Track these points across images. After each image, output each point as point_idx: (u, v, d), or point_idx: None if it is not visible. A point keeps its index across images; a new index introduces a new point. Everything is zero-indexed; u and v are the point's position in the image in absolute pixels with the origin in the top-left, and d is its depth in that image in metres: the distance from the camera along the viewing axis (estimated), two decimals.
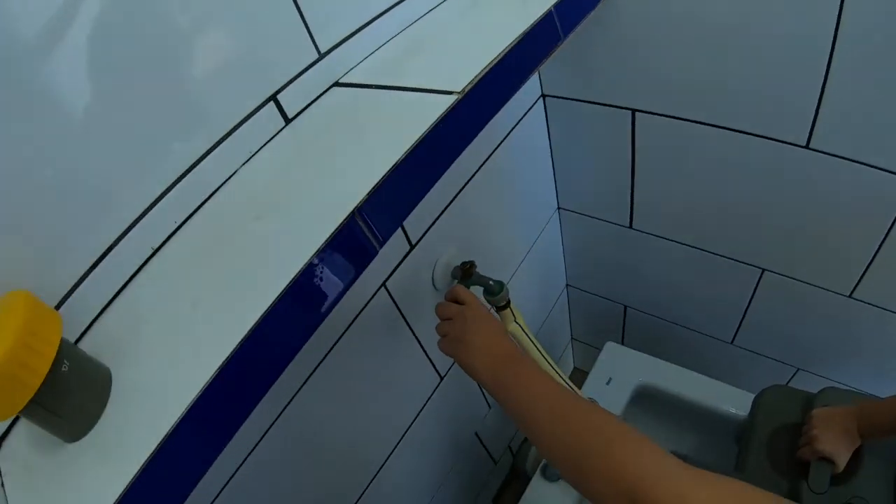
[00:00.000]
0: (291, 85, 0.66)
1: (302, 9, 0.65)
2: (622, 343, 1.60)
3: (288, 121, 0.68)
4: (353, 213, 0.51)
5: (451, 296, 0.91)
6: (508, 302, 0.99)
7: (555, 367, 1.06)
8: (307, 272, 0.49)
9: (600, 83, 1.10)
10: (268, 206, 0.58)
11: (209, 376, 0.44)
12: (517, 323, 1.01)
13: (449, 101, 0.58)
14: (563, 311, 1.79)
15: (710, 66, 0.98)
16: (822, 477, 1.05)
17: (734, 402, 1.41)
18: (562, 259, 1.61)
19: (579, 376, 2.13)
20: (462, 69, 0.63)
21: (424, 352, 1.12)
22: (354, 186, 0.53)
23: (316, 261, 0.49)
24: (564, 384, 1.03)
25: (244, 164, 0.64)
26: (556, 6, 0.73)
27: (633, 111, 1.10)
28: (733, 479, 0.59)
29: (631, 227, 1.38)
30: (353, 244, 0.53)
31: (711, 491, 0.56)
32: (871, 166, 1.00)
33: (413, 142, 0.55)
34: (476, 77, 0.60)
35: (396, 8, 0.76)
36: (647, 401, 1.49)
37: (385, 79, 0.69)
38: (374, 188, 0.52)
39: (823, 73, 0.90)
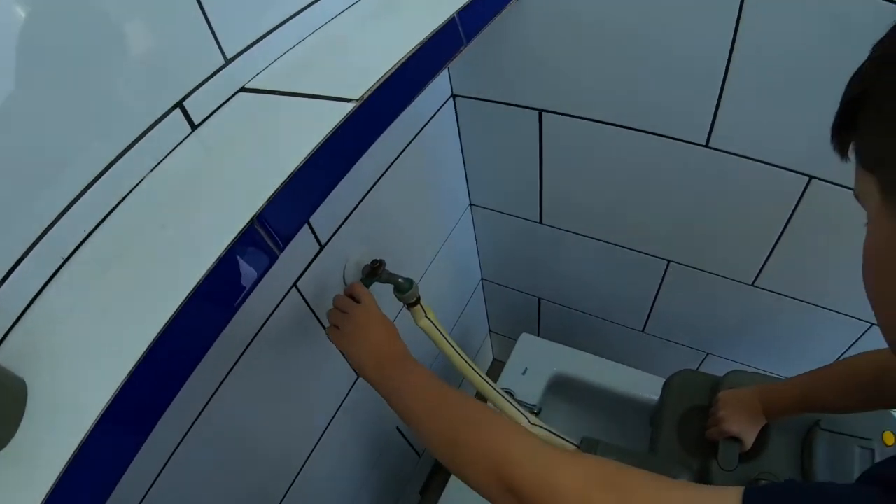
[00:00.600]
0: (198, 91, 0.65)
1: (208, 14, 0.64)
2: (538, 334, 1.64)
3: (194, 127, 0.67)
4: (251, 220, 0.52)
5: (349, 291, 0.93)
6: (418, 299, 1.00)
7: (468, 361, 1.06)
8: (211, 277, 0.49)
9: (508, 84, 1.12)
10: (174, 214, 0.57)
11: (121, 380, 0.44)
12: (428, 318, 1.02)
13: (347, 108, 0.59)
14: (480, 305, 1.82)
15: (615, 69, 1.01)
16: (730, 455, 1.10)
17: (646, 387, 1.46)
18: (476, 254, 1.63)
19: (499, 367, 2.18)
20: (362, 76, 0.63)
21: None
22: (255, 194, 0.54)
23: (219, 267, 0.50)
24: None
25: (151, 171, 0.62)
26: (459, 13, 0.74)
27: (540, 111, 1.13)
28: (607, 460, 0.63)
29: (541, 222, 1.41)
30: (252, 250, 0.53)
31: (577, 469, 0.60)
32: (767, 163, 1.06)
33: (310, 150, 0.56)
34: (374, 84, 0.61)
35: (304, 12, 0.76)
36: (562, 389, 1.53)
37: (290, 85, 0.69)
38: (271, 196, 0.53)
39: (721, 78, 0.95)
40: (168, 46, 0.62)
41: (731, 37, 0.90)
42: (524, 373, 1.50)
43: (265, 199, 0.53)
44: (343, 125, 0.59)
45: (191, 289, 0.49)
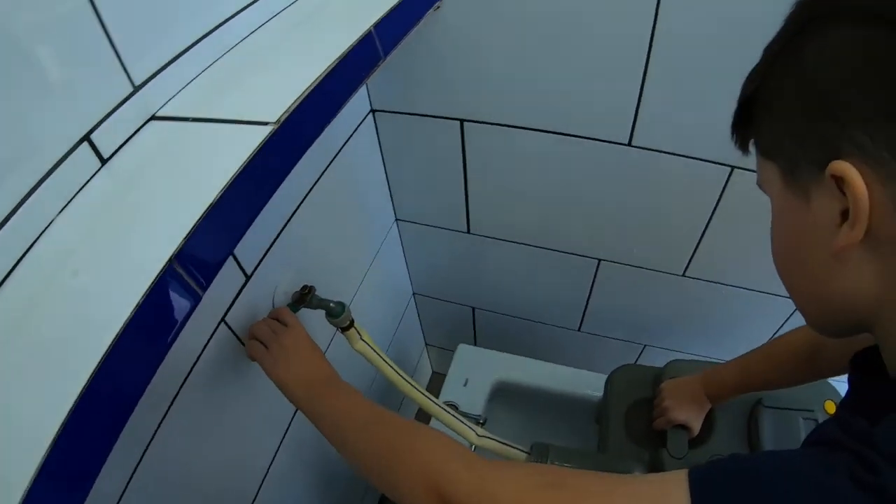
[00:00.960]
0: (106, 122, 0.60)
1: (112, 36, 0.58)
2: (475, 343, 1.63)
3: (104, 161, 0.61)
4: (170, 260, 0.48)
5: (274, 314, 0.92)
6: (352, 322, 0.97)
7: (408, 379, 1.05)
8: (130, 327, 0.45)
9: (428, 96, 1.11)
10: (86, 258, 0.52)
11: (45, 449, 0.40)
12: (363, 341, 1.00)
13: (264, 132, 0.56)
14: (414, 319, 1.80)
15: (535, 76, 1.01)
16: (680, 443, 1.12)
17: (588, 385, 1.47)
18: (405, 269, 1.61)
19: (440, 380, 2.15)
20: (278, 97, 0.60)
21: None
22: (171, 232, 0.50)
23: (137, 315, 0.46)
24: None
25: (60, 212, 0.57)
26: (376, 26, 0.72)
27: (462, 121, 1.12)
28: (545, 465, 0.63)
29: (469, 231, 1.40)
30: (173, 293, 0.49)
31: (513, 474, 0.60)
32: (690, 157, 1.09)
33: (228, 178, 0.52)
34: (291, 105, 0.58)
35: (214, 33, 0.71)
36: (505, 396, 1.52)
37: (203, 110, 0.65)
38: (189, 232, 0.49)
39: (641, 78, 0.98)
40: (71, 76, 0.57)
41: (649, 38, 0.92)
42: (465, 384, 1.48)
43: (183, 236, 0.49)
44: (261, 150, 0.56)
45: (109, 343, 0.44)
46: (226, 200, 0.53)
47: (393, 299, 1.60)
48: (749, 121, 0.57)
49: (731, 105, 0.98)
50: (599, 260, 1.42)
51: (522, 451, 1.10)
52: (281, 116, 0.58)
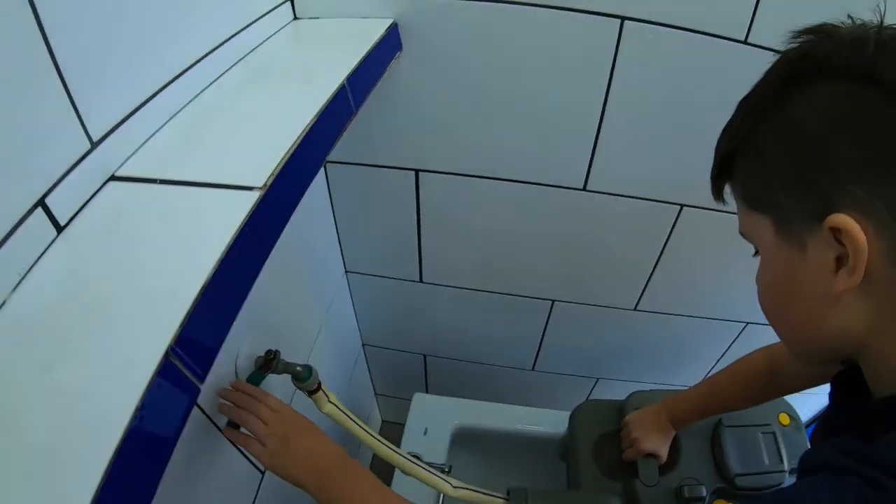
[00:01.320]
0: (61, 184, 0.53)
1: (69, 84, 0.52)
2: (427, 391, 1.60)
3: (60, 229, 0.54)
4: (166, 353, 0.43)
5: (238, 386, 0.87)
6: (319, 385, 0.94)
7: (378, 438, 1.02)
8: (131, 434, 0.39)
9: (383, 147, 1.09)
10: (56, 349, 0.45)
11: None
12: (332, 403, 0.96)
13: (252, 198, 0.52)
14: (363, 370, 1.75)
15: (491, 127, 1.02)
16: (651, 471, 1.13)
17: (549, 422, 1.47)
18: (354, 320, 1.56)
19: (389, 428, 2.10)
20: (259, 158, 0.57)
21: (240, 451, 1.02)
22: (159, 315, 0.45)
23: (134, 424, 0.40)
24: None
25: (14, 290, 0.50)
26: (349, 79, 0.70)
27: (417, 171, 1.11)
28: None
29: (421, 280, 1.38)
30: (172, 388, 0.44)
31: None
32: (642, 198, 1.12)
33: (221, 251, 0.48)
34: (277, 167, 0.55)
35: (175, 84, 0.66)
36: (467, 442, 1.50)
37: (169, 171, 0.59)
38: (186, 317, 0.45)
39: (596, 127, 1.01)
40: (24, 132, 0.49)
41: (604, 93, 0.96)
42: (425, 433, 1.44)
43: (179, 321, 0.45)
44: (251, 218, 0.52)
45: (108, 460, 0.39)
46: (220, 276, 0.48)
47: (343, 351, 1.55)
48: (729, 174, 0.61)
49: (682, 150, 1.05)
50: (553, 300, 1.43)
51: (500, 497, 1.09)
52: (267, 181, 0.54)
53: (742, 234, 0.65)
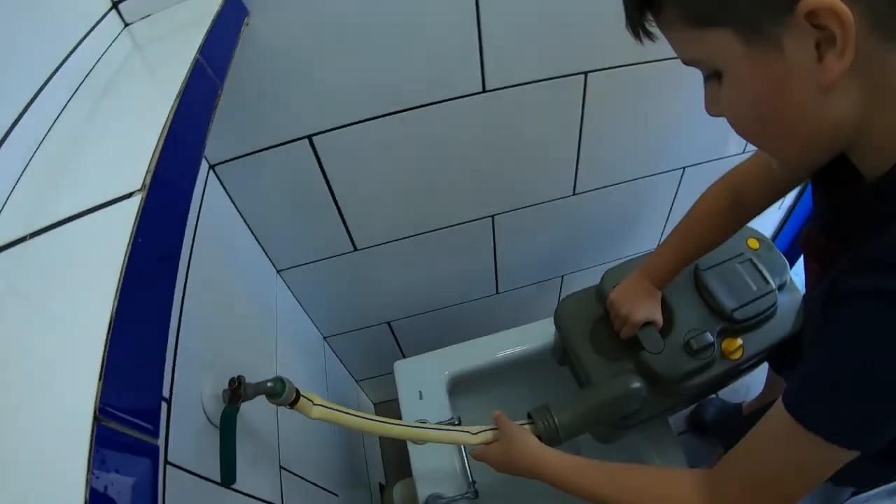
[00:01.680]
0: None
1: None
2: (404, 356, 1.54)
3: None
4: (95, 417, 0.34)
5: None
6: (298, 393, 0.86)
7: (380, 420, 0.98)
8: None
9: (265, 125, 0.99)
10: None
11: None
12: (318, 405, 0.89)
13: (134, 204, 0.43)
14: (335, 363, 1.66)
15: (369, 64, 0.95)
16: (653, 339, 1.12)
17: (536, 335, 1.46)
18: (306, 317, 1.47)
19: (383, 408, 2.03)
20: (129, 165, 0.47)
21: None
22: (71, 379, 0.37)
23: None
24: (410, 426, 1.00)
25: None
26: (201, 53, 0.61)
27: (310, 137, 1.01)
28: (732, 464, 0.73)
29: (356, 249, 1.30)
30: (122, 456, 0.36)
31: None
32: (545, 79, 1.09)
33: (118, 274, 0.39)
34: (151, 162, 0.46)
35: (15, 131, 0.56)
36: (465, 388, 1.46)
37: (39, 220, 0.50)
38: (103, 360, 0.36)
39: (476, 23, 0.95)
40: None
41: None
42: (421, 397, 1.39)
43: (97, 372, 0.36)
44: (139, 227, 0.43)
45: None
46: (127, 302, 0.39)
47: (308, 353, 1.46)
48: (656, 2, 0.57)
49: (570, 13, 1.00)
50: (493, 216, 1.38)
51: (525, 422, 1.05)
52: (146, 180, 0.45)
53: (690, 61, 0.61)
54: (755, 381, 1.84)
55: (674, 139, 1.39)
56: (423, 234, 1.34)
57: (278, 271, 1.27)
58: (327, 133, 1.01)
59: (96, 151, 0.56)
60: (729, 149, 1.48)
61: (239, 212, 1.12)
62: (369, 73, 0.96)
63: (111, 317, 0.39)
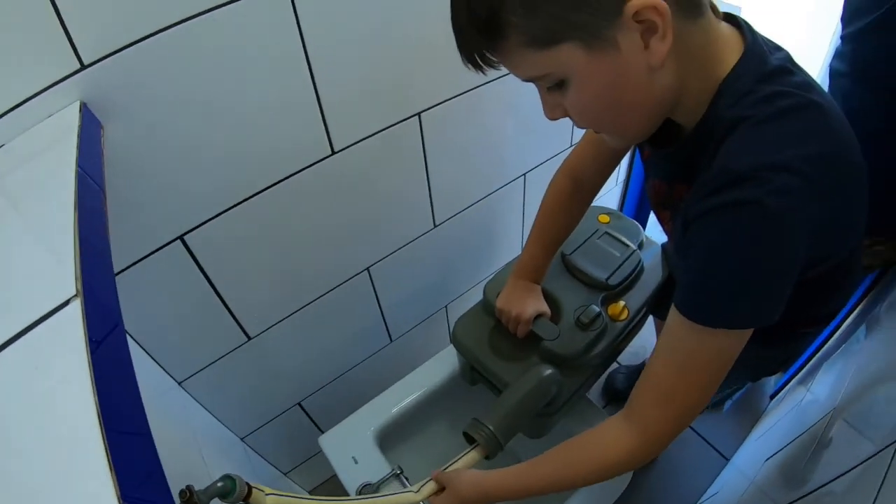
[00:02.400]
0: None
1: None
2: (323, 431, 1.52)
3: None
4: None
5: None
6: (249, 486, 0.85)
7: (331, 499, 0.97)
8: None
9: (135, 235, 0.96)
10: None
11: None
12: (272, 494, 0.87)
13: (75, 310, 0.45)
14: (259, 461, 1.61)
15: (223, 151, 0.97)
16: (547, 328, 1.21)
17: (442, 366, 1.51)
18: (217, 422, 1.42)
19: (324, 488, 1.96)
20: (50, 275, 0.49)
21: None
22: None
23: None
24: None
25: None
26: (79, 165, 0.62)
27: (182, 237, 1.01)
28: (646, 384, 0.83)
29: (250, 338, 1.30)
30: None
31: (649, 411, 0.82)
32: (383, 129, 1.17)
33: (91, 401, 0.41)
34: (76, 267, 0.48)
35: None
36: (394, 437, 1.48)
37: None
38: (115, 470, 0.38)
39: (314, 92, 1.01)
40: None
41: (303, 53, 0.95)
42: (356, 462, 1.38)
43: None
44: (90, 333, 0.44)
45: None
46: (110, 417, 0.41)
47: (231, 458, 1.40)
48: (499, 33, 0.65)
49: (397, 60, 1.10)
50: (367, 268, 1.43)
51: (468, 449, 1.09)
52: (77, 285, 0.46)
53: (533, 78, 0.71)
54: (649, 339, 1.99)
55: (509, 152, 1.52)
56: (308, 304, 1.36)
57: (179, 383, 1.23)
58: (197, 229, 1.02)
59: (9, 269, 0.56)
60: (558, 146, 1.63)
61: (126, 331, 1.08)
62: (224, 164, 0.98)
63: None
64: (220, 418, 1.41)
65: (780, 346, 1.09)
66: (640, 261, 1.37)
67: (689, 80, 0.71)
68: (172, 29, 0.79)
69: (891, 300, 1.32)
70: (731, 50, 0.70)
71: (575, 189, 1.18)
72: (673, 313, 0.75)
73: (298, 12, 0.90)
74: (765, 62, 0.69)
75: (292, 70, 0.96)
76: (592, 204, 1.25)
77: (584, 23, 0.63)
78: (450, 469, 1.04)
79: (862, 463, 0.89)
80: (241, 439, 1.52)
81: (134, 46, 0.77)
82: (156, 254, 0.99)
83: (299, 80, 0.98)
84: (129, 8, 0.74)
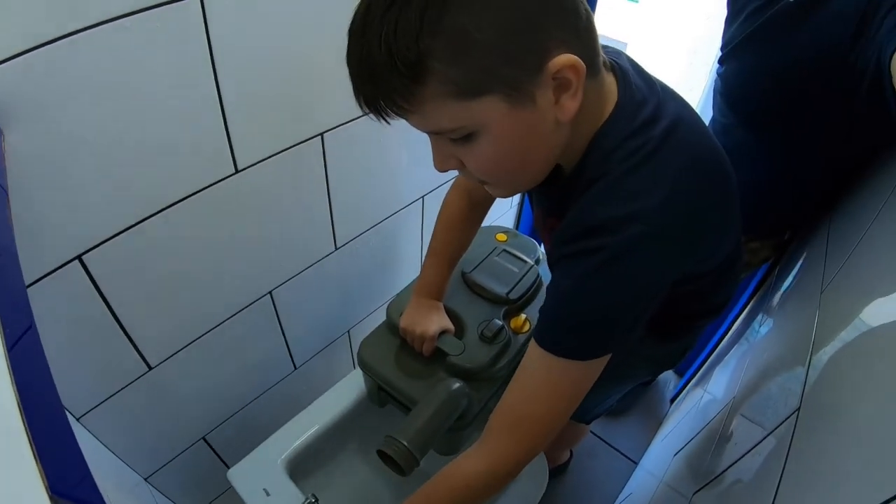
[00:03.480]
0: None
1: None
2: (229, 466, 1.46)
3: None
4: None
5: None
6: None
7: None
8: None
9: (29, 255, 0.89)
10: None
11: None
12: None
13: None
14: (167, 502, 1.52)
15: (122, 166, 0.93)
16: (452, 344, 1.24)
17: (349, 390, 1.51)
18: (119, 461, 1.33)
19: None
20: None
21: None
22: None
23: None
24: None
25: None
26: None
27: (79, 258, 0.95)
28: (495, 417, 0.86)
29: (151, 368, 1.23)
30: None
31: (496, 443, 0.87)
32: (287, 148, 1.17)
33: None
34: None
35: None
36: (305, 466, 1.45)
37: None
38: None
39: (219, 105, 0.99)
40: None
41: (210, 63, 0.94)
42: (268, 494, 1.34)
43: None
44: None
45: None
46: None
47: (134, 499, 1.32)
48: (421, 81, 0.63)
49: (300, 84, 1.10)
50: (270, 292, 1.41)
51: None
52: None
53: (447, 130, 0.71)
54: None
55: (408, 174, 1.55)
56: (211, 330, 1.32)
57: (77, 418, 1.15)
58: (96, 249, 0.97)
59: None
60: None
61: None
62: (126, 179, 0.95)
63: None
64: (122, 457, 1.33)
65: (677, 341, 1.17)
66: (538, 275, 1.43)
67: (577, 131, 0.76)
68: (75, 35, 0.77)
69: (780, 295, 1.42)
70: (609, 102, 0.77)
71: (470, 206, 1.23)
72: (531, 345, 0.79)
73: (209, 23, 0.90)
74: (633, 117, 0.74)
75: (198, 83, 0.95)
76: (490, 224, 1.29)
77: (509, 77, 0.65)
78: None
79: (755, 447, 0.94)
80: (145, 479, 1.44)
81: (32, 52, 0.74)
82: (51, 275, 0.93)
83: (205, 93, 0.97)
84: (28, 14, 0.72)
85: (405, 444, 1.05)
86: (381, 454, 1.08)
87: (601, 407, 1.57)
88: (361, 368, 1.33)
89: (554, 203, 0.90)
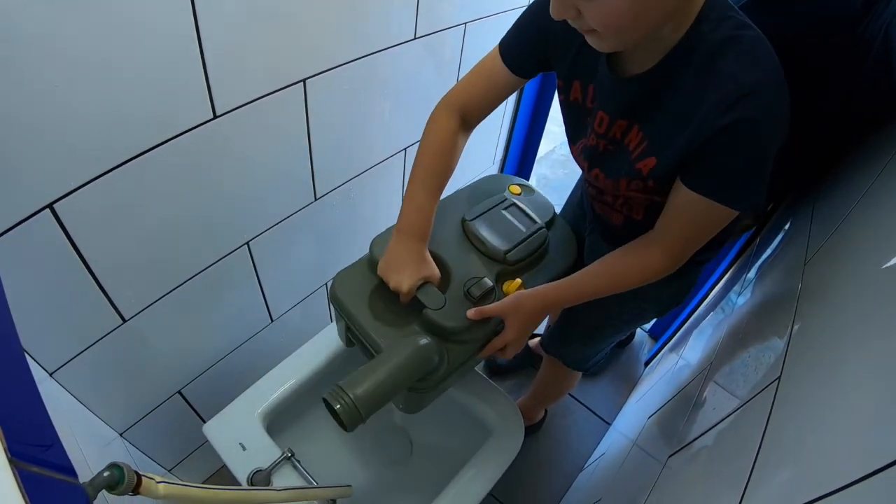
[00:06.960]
0: None
1: None
2: (204, 420, 1.45)
3: None
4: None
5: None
6: (138, 475, 0.77)
7: (229, 489, 0.89)
8: None
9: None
10: None
11: None
12: (163, 482, 0.77)
13: None
14: (141, 458, 1.51)
15: (98, 98, 0.88)
16: (433, 296, 1.12)
17: (325, 340, 1.50)
18: (94, 416, 1.31)
19: (217, 478, 1.86)
20: None
21: None
22: None
23: None
24: None
25: None
26: None
27: (51, 206, 0.91)
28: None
29: (125, 320, 1.21)
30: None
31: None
32: (266, 94, 1.13)
33: None
34: None
35: None
36: (282, 420, 1.45)
37: None
38: None
39: (198, 48, 0.96)
40: None
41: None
42: (244, 448, 1.33)
43: None
44: None
45: None
46: None
47: (109, 455, 1.30)
48: None
49: (284, 24, 1.07)
50: (247, 243, 1.39)
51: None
52: None
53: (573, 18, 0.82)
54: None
55: (392, 126, 1.51)
56: (186, 281, 1.29)
57: (50, 373, 1.13)
58: (67, 197, 0.93)
59: None
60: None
61: None
62: (99, 121, 0.90)
63: None
64: (96, 412, 1.31)
65: (681, 277, 1.20)
66: (545, 239, 1.31)
67: (676, 18, 0.84)
68: None
69: (760, 264, 1.42)
70: None
71: (461, 125, 1.15)
72: (696, 199, 0.93)
73: None
74: (728, 6, 0.85)
75: (176, 20, 0.91)
76: (506, 174, 1.24)
77: None
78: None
79: (732, 413, 0.95)
80: (120, 434, 1.42)
81: None
82: (21, 225, 0.89)
83: (182, 32, 0.93)
84: None
85: (351, 397, 0.94)
86: (326, 403, 0.97)
87: (600, 355, 1.61)
88: (332, 303, 1.21)
89: (636, 97, 0.96)
